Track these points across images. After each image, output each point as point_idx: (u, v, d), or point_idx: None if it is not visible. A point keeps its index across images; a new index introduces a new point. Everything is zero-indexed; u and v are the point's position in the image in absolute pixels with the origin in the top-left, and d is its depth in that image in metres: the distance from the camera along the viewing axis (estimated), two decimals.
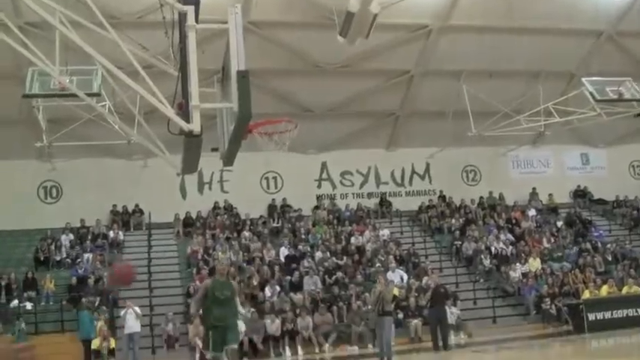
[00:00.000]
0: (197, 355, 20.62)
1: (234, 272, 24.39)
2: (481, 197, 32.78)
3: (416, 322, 22.87)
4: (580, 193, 34.52)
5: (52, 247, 26.81)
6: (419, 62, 28.56)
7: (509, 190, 33.27)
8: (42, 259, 26.22)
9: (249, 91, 9.26)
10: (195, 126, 9.95)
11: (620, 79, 25.19)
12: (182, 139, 10.60)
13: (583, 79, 25.83)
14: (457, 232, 29.65)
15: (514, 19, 26.86)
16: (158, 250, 27.53)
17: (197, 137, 10.20)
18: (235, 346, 11.27)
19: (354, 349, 21.99)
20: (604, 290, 24.36)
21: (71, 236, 27.56)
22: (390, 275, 25.03)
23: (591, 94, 24.84)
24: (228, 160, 11.30)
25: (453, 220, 30.72)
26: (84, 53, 12.08)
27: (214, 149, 11.58)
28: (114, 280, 12.50)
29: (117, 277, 12.03)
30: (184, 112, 10.08)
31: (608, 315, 22.58)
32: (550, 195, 33.72)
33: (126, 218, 29.09)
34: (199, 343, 20.62)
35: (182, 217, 29.30)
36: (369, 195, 32.43)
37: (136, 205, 29.23)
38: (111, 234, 27.82)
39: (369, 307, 19.46)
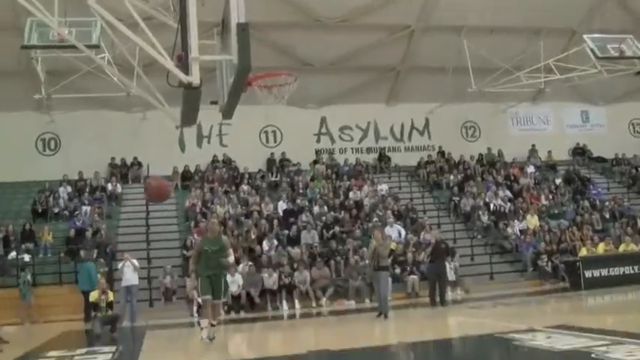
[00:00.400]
0: (194, 308, 20.75)
1: (232, 227, 24.52)
2: (480, 154, 32.77)
3: (413, 278, 23.00)
4: (579, 151, 34.52)
5: (50, 199, 26.84)
6: (420, 17, 28.35)
7: (508, 147, 33.24)
8: (40, 211, 26.26)
9: (248, 44, 9.19)
10: (194, 78, 9.90)
11: (622, 37, 25.11)
12: (181, 91, 10.56)
13: (584, 36, 25.68)
14: (455, 188, 29.64)
15: None
16: (156, 204, 27.54)
17: (196, 89, 10.16)
18: (219, 302, 12.97)
19: (351, 304, 22.11)
20: (601, 248, 24.44)
21: (69, 188, 27.58)
22: (388, 230, 25.08)
23: (592, 51, 24.72)
24: (228, 113, 11.25)
25: (452, 176, 30.73)
26: (83, 4, 11.97)
27: (213, 102, 11.54)
28: (150, 195, 13.38)
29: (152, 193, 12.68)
30: (183, 64, 10.02)
31: (604, 272, 22.67)
32: (549, 152, 33.73)
33: (124, 171, 29.09)
34: (197, 296, 20.78)
35: (180, 170, 29.27)
36: (368, 150, 32.44)
37: (135, 158, 29.22)
38: (109, 187, 27.84)
39: (367, 261, 19.47)
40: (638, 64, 26.55)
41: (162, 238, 25.48)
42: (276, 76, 12.18)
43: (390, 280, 19.30)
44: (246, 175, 29.32)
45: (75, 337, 17.29)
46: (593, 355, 8.49)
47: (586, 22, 29.38)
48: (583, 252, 24.21)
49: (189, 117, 12.26)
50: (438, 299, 18.97)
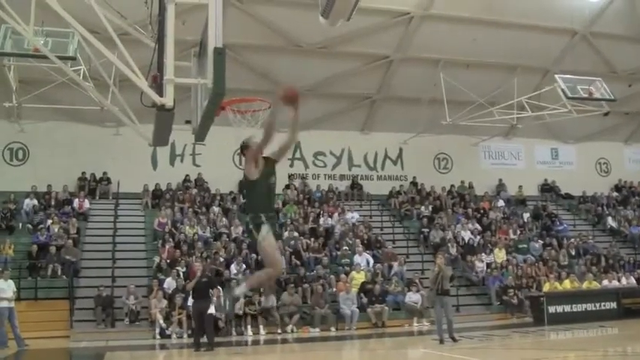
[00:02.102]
0: (157, 330, 20.52)
1: (200, 248, 24.29)
2: (452, 185, 32.92)
3: (381, 307, 23.01)
4: (547, 187, 34.91)
5: (15, 211, 26.28)
6: (398, 48, 28.54)
7: (479, 180, 33.50)
8: (4, 224, 25.53)
9: (224, 69, 9.15)
10: (167, 100, 9.84)
11: (591, 79, 26.00)
12: (154, 110, 10.49)
13: (556, 76, 26.32)
14: (425, 219, 29.72)
15: (493, 13, 27.16)
16: (124, 221, 27.27)
17: (169, 111, 10.09)
18: None
19: (316, 331, 22.00)
20: (566, 284, 24.67)
21: (35, 201, 27.01)
22: (356, 259, 25.10)
23: (563, 91, 25.38)
24: (200, 135, 11.18)
25: (423, 207, 30.79)
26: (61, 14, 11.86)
27: (188, 122, 11.47)
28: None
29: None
30: (158, 85, 9.96)
31: (567, 308, 22.96)
32: (520, 187, 33.98)
33: (93, 186, 28.68)
34: (160, 318, 20.54)
35: (151, 188, 29.01)
36: (341, 177, 32.46)
37: (104, 173, 28.82)
38: (76, 202, 27.40)
39: (429, 286, 18.57)
40: (605, 106, 27.08)
41: (128, 257, 25.09)
42: (250, 102, 12.16)
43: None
44: (218, 197, 29.11)
45: (30, 356, 16.99)
46: None
47: (559, 63, 29.97)
48: (547, 287, 24.39)
49: (161, 137, 12.17)
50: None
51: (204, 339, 17.44)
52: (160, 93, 9.86)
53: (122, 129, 27.04)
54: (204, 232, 26.02)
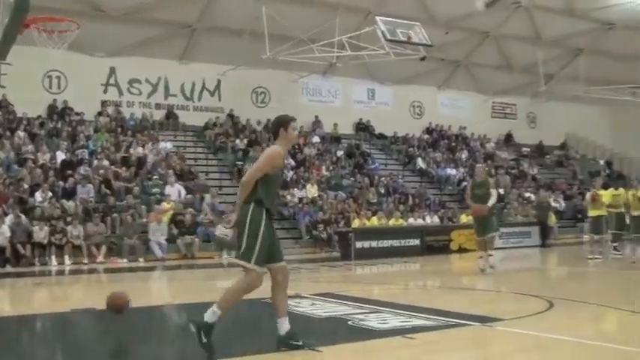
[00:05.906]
0: None
1: (1, 174, 23.14)
2: (268, 120, 33.03)
3: (192, 238, 23.00)
4: (362, 126, 35.86)
5: None
6: None
7: (296, 116, 32.48)
8: None
9: None
10: None
11: (411, 23, 26.68)
12: None
13: (376, 18, 26.76)
14: (240, 153, 29.74)
15: None
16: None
17: None
18: None
19: (124, 262, 21.68)
20: (374, 221, 25.61)
21: None
22: (168, 189, 24.84)
23: (383, 33, 25.90)
24: (2, 53, 10.58)
25: (238, 141, 30.78)
26: None
27: None
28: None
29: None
30: None
31: (374, 244, 23.77)
32: (335, 125, 34.64)
33: None
34: None
35: None
36: (157, 106, 31.76)
37: None
38: None
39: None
40: (422, 51, 27.98)
41: None
42: (58, 21, 11.57)
43: None
44: (24, 121, 27.65)
45: None
46: (349, 322, 8.95)
47: (380, 5, 30.58)
48: (355, 223, 25.22)
49: None
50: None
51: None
52: None
53: None
54: (7, 157, 24.72)
